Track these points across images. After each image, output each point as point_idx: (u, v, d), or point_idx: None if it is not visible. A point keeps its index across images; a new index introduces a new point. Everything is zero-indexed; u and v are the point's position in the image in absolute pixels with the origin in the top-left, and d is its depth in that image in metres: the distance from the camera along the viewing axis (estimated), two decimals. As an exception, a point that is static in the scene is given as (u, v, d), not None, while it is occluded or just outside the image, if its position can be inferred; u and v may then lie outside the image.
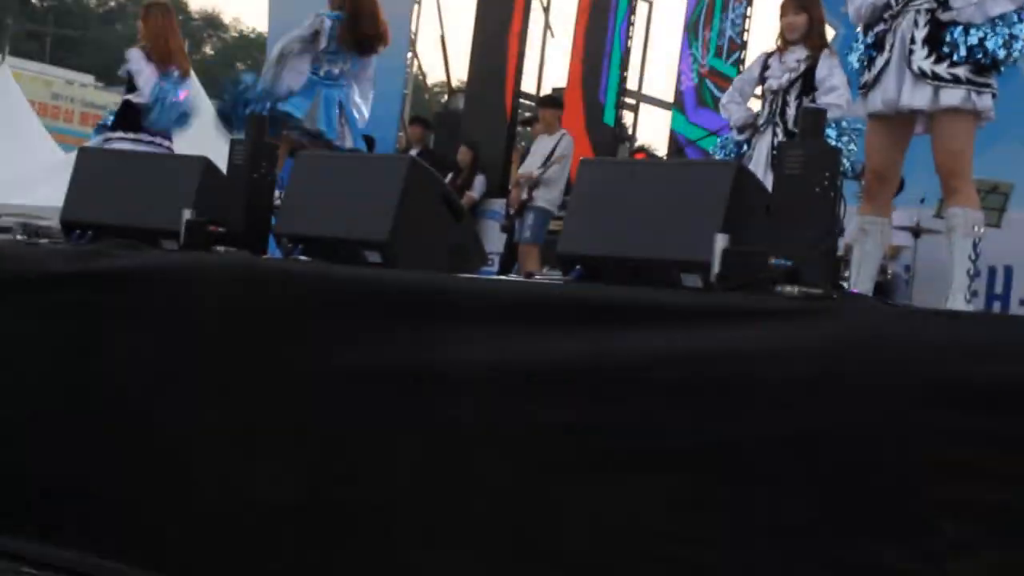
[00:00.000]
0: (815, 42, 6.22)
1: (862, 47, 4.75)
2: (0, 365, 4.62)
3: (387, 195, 4.26)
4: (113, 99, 45.05)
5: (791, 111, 6.10)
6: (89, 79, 47.82)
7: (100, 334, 4.50)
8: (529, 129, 13.07)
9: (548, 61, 14.89)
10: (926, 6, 4.55)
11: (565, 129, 11.21)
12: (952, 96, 4.46)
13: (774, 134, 6.16)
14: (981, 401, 2.92)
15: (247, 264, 4.39)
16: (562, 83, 14.37)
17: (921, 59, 4.50)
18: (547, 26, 14.26)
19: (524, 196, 10.71)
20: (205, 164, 4.73)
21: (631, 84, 14.54)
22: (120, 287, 4.53)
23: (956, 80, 4.45)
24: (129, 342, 4.43)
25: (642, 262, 3.80)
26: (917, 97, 4.52)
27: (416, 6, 14.54)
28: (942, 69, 4.46)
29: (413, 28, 14.64)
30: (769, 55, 6.42)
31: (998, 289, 9.90)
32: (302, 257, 4.38)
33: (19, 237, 5.03)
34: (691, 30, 13.34)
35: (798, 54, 6.20)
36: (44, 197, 14.17)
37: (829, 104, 5.87)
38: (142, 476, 4.25)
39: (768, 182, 4.68)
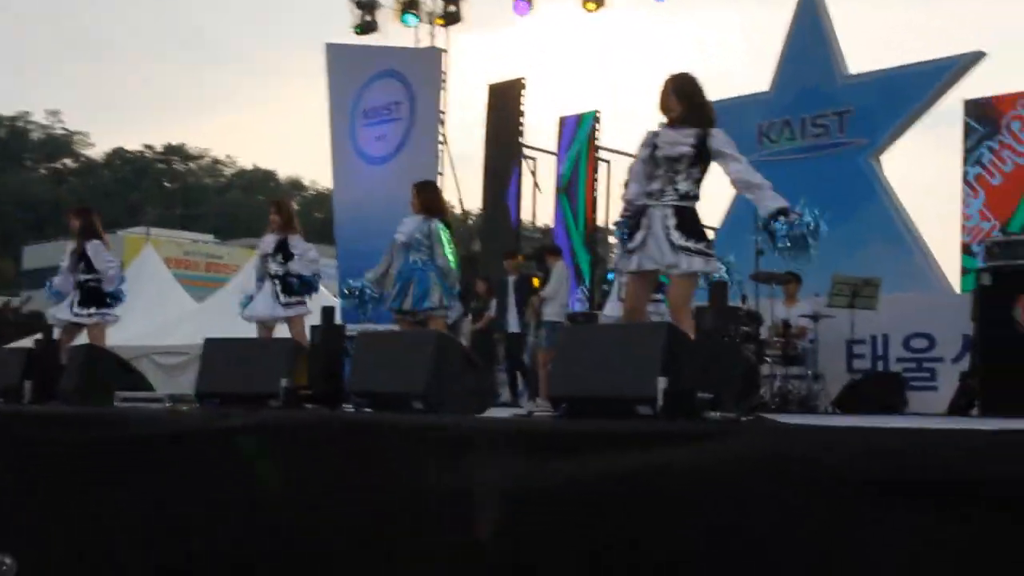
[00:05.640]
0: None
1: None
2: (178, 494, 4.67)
3: (424, 359, 4.38)
4: (227, 251, 45.58)
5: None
6: (209, 238, 48.29)
7: (233, 467, 4.54)
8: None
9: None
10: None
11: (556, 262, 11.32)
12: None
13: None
14: (847, 487, 3.02)
15: (328, 416, 4.50)
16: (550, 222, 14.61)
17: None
18: (535, 185, 14.46)
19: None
20: (294, 343, 4.85)
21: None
22: (243, 434, 4.61)
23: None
24: (256, 470, 4.47)
25: (608, 399, 3.88)
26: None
27: (439, 177, 14.66)
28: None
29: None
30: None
31: (879, 352, 9.97)
32: (367, 409, 4.49)
33: (168, 405, 5.14)
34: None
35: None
36: (181, 337, 14.36)
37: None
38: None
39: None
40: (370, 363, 4.56)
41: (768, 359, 9.60)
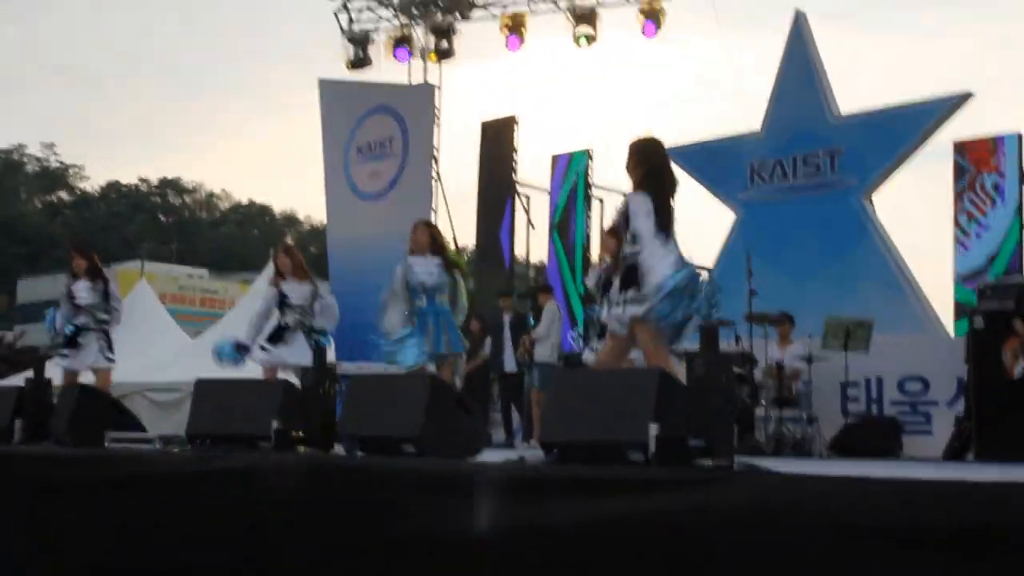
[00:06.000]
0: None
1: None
2: (160, 532, 4.61)
3: (417, 403, 4.35)
4: (222, 285, 45.44)
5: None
6: (204, 272, 48.29)
7: (222, 510, 4.49)
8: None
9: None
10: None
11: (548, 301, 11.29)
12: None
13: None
14: (840, 538, 3.01)
15: (319, 460, 4.46)
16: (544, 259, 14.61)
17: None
18: (529, 222, 14.46)
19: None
20: (285, 385, 4.82)
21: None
22: (233, 478, 4.56)
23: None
24: (243, 511, 4.43)
25: (600, 444, 3.86)
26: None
27: (434, 214, 14.66)
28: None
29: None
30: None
31: (874, 395, 9.96)
32: (359, 453, 4.46)
33: (158, 446, 5.11)
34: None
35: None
36: (175, 374, 14.27)
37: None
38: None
39: None
40: (362, 406, 4.54)
41: (762, 401, 9.58)
